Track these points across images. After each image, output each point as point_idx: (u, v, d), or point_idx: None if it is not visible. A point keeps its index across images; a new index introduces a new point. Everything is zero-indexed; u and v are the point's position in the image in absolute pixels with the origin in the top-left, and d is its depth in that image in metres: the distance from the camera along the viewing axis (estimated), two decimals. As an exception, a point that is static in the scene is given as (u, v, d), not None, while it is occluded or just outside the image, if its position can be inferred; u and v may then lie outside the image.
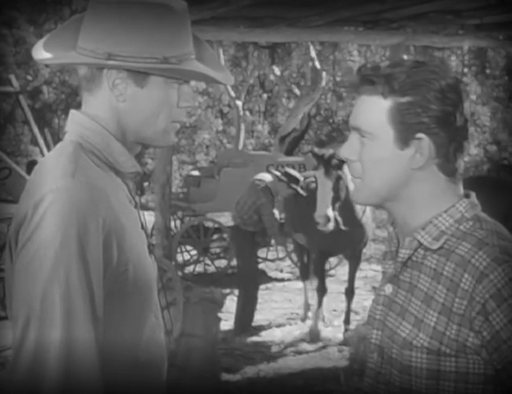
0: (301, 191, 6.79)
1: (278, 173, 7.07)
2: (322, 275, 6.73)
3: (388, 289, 1.52)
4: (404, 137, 1.44)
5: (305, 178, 6.84)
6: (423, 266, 1.46)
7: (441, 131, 1.43)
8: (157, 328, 1.62)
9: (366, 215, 6.37)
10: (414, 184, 1.46)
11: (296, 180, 6.82)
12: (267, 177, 7.04)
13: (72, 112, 1.61)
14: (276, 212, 6.86)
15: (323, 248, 6.58)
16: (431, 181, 1.47)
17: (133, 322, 1.54)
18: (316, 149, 6.50)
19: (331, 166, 5.96)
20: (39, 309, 1.37)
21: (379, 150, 1.46)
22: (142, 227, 1.62)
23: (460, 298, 1.37)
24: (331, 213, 5.86)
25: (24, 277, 1.41)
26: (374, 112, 1.46)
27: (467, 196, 1.50)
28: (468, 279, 1.37)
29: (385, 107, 1.45)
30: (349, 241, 6.40)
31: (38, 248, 1.39)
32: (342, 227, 6.15)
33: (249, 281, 6.83)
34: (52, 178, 1.46)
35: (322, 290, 6.66)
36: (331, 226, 5.85)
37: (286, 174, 6.94)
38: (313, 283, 7.01)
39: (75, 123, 1.59)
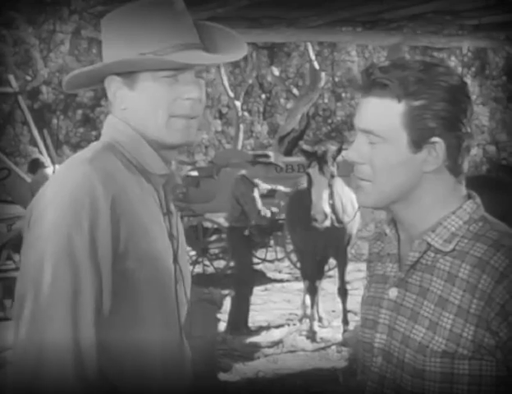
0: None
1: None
2: (312, 275, 6.72)
3: (393, 293, 1.50)
4: (419, 141, 1.41)
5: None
6: (435, 268, 1.44)
7: (454, 133, 1.42)
8: (170, 330, 1.65)
9: (346, 213, 6.34)
10: (425, 186, 1.44)
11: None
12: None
13: (109, 116, 1.64)
14: (258, 201, 6.80)
15: (307, 247, 6.57)
16: (441, 183, 1.45)
17: (145, 322, 1.55)
18: (305, 146, 6.51)
19: (326, 162, 5.96)
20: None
21: (392, 154, 1.42)
22: (171, 235, 1.61)
23: (478, 299, 1.36)
24: (328, 209, 5.85)
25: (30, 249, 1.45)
26: (388, 115, 1.42)
27: (470, 196, 1.49)
28: (487, 280, 1.35)
29: (399, 110, 1.41)
30: (330, 240, 6.36)
31: (42, 209, 1.45)
32: (336, 224, 6.14)
33: (243, 281, 6.82)
34: (69, 163, 1.54)
35: (312, 291, 6.65)
36: (327, 222, 5.85)
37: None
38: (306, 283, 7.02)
39: (107, 125, 1.63)
